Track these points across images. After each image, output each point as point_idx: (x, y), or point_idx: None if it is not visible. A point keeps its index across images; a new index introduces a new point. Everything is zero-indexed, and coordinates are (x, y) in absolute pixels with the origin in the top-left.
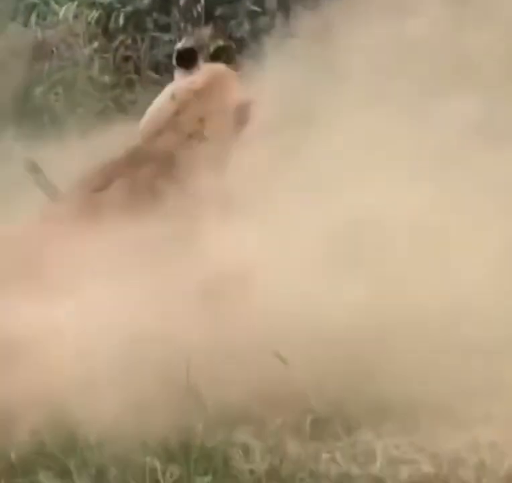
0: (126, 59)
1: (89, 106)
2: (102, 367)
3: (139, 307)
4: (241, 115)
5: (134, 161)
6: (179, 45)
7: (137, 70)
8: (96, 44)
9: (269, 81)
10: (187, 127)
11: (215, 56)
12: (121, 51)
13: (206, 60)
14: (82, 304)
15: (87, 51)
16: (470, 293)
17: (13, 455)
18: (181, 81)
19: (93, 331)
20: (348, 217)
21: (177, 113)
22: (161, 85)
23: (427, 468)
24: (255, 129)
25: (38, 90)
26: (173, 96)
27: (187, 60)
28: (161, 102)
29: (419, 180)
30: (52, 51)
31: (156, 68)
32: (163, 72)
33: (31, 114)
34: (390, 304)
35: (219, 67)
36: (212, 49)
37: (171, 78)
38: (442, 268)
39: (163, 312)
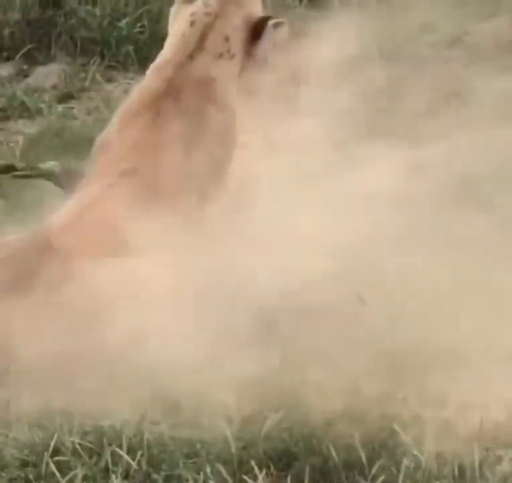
0: None
1: None
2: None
3: None
4: (258, 31)
5: (173, 91)
6: None
7: None
8: None
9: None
10: (215, 47)
11: None
12: None
13: None
14: None
15: None
16: None
17: None
18: (193, 7)
19: None
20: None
21: (202, 37)
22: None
23: (499, 415)
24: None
25: (123, 22)
26: (193, 23)
27: None
28: (182, 32)
29: None
30: None
31: None
32: None
33: (116, 46)
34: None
35: None
36: None
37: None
38: None
39: None
